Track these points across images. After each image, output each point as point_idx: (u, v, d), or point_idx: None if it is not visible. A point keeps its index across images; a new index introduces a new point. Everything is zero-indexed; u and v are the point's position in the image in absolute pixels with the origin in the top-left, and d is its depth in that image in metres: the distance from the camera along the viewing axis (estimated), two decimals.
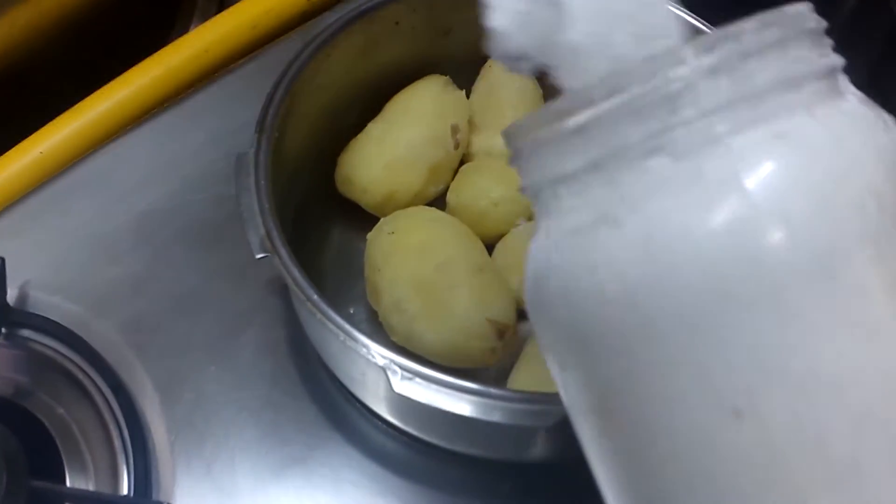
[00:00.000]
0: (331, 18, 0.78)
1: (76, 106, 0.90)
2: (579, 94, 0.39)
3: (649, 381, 0.38)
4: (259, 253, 0.65)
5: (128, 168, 0.87)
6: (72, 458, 0.71)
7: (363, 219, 0.82)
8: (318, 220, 0.83)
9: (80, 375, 0.74)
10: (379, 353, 0.60)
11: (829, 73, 0.40)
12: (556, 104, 0.40)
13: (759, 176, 0.36)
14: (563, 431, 0.57)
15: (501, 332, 0.70)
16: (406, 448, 0.73)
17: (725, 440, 0.37)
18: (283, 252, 0.64)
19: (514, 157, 0.45)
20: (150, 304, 0.79)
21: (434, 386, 0.59)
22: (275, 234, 0.65)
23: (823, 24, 0.41)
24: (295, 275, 0.63)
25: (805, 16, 0.40)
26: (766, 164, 0.36)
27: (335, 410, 0.75)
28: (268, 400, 0.75)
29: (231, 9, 0.97)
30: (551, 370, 0.45)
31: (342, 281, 0.80)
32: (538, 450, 0.70)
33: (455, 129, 0.82)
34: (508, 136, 0.45)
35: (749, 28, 0.38)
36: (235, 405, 0.74)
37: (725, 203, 0.36)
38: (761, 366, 0.36)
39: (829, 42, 0.41)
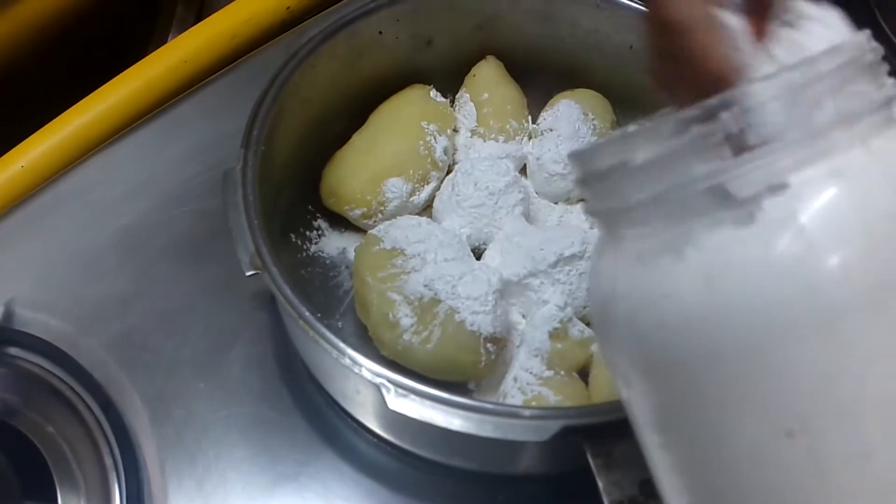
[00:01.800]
0: (314, 30, 0.77)
1: (56, 119, 0.89)
2: (645, 130, 0.41)
3: (708, 403, 0.41)
4: (249, 270, 0.64)
5: (110, 182, 0.86)
6: (63, 478, 0.71)
7: (350, 230, 0.82)
8: (305, 233, 0.82)
9: (69, 393, 0.74)
10: (372, 371, 0.60)
11: (886, 103, 0.41)
12: (624, 136, 0.42)
13: (816, 214, 0.38)
14: (557, 445, 0.58)
15: (492, 344, 0.70)
16: (398, 462, 0.73)
17: (778, 458, 0.39)
18: (274, 270, 0.64)
19: (581, 182, 0.46)
20: (136, 321, 0.79)
21: (428, 402, 0.59)
22: (264, 251, 0.64)
23: (881, 52, 0.41)
24: (286, 293, 0.63)
25: (864, 48, 0.41)
26: (822, 202, 0.38)
27: (326, 426, 0.74)
28: (258, 416, 0.74)
29: (209, 19, 0.96)
30: (616, 384, 0.48)
31: (330, 294, 0.80)
32: (532, 463, 0.70)
33: (440, 139, 0.82)
34: (575, 160, 0.46)
35: (809, 65, 0.39)
36: (225, 422, 0.74)
37: (782, 241, 0.38)
38: (814, 390, 0.38)
39: (885, 69, 0.42)
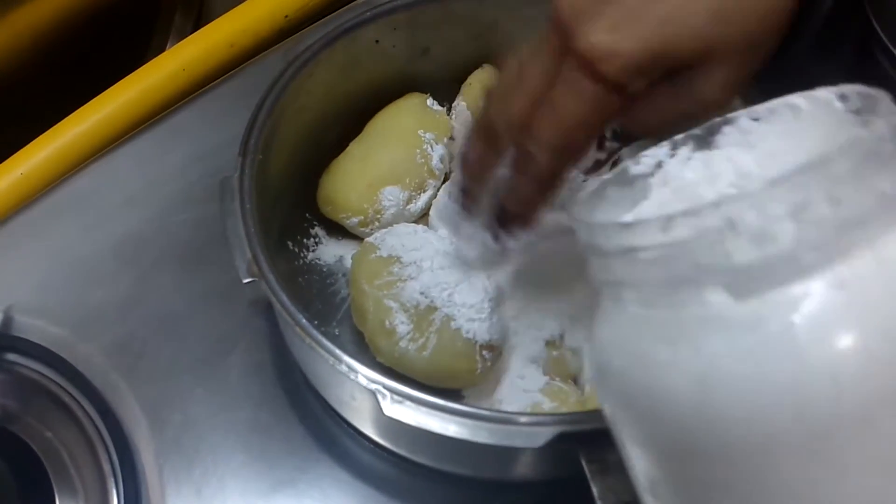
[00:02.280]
0: (311, 38, 0.78)
1: (55, 127, 0.89)
2: (651, 220, 0.40)
3: (691, 492, 0.42)
4: (246, 278, 0.65)
5: (109, 189, 0.87)
6: (61, 483, 0.71)
7: (347, 238, 0.83)
8: (302, 240, 0.83)
9: (67, 399, 0.74)
10: (368, 377, 0.60)
11: None
12: (632, 224, 0.41)
13: (813, 330, 0.37)
14: (552, 451, 0.58)
15: (488, 352, 0.70)
16: (395, 469, 0.74)
17: None
18: (271, 277, 0.64)
19: (584, 247, 0.46)
20: (134, 327, 0.79)
21: (424, 408, 0.59)
22: (261, 258, 0.65)
23: None
24: (283, 300, 0.63)
25: (884, 139, 0.39)
26: (821, 318, 0.37)
27: (323, 432, 0.75)
28: (256, 422, 0.75)
29: (208, 27, 0.97)
30: (612, 433, 0.48)
31: (327, 301, 0.80)
32: (527, 469, 0.71)
33: (436, 147, 0.82)
34: (579, 225, 0.46)
35: (826, 164, 0.37)
36: (223, 428, 0.74)
37: (778, 358, 0.37)
38: (796, 499, 0.38)
39: None
